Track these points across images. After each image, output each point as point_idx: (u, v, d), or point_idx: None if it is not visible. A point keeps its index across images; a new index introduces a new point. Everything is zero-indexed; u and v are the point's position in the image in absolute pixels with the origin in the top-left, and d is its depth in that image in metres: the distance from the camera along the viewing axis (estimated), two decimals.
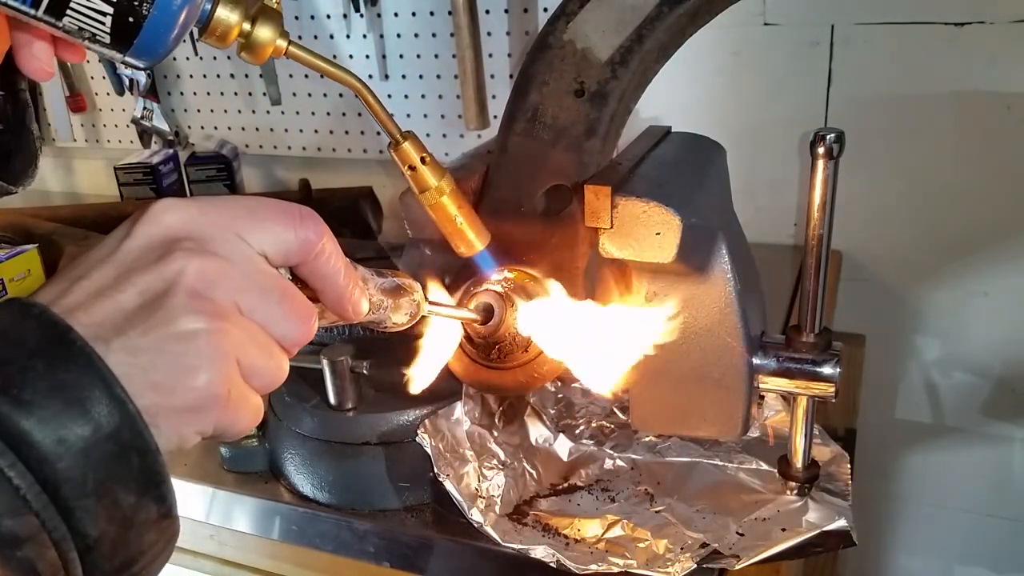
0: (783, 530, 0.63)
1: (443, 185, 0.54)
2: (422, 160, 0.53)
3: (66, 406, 0.33)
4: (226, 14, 0.45)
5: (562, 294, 0.59)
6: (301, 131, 1.43)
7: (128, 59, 0.43)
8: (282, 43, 0.47)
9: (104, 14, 0.41)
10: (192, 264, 0.37)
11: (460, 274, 0.63)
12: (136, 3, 0.41)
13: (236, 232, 0.39)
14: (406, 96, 1.31)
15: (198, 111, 1.49)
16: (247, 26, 0.46)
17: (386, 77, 1.31)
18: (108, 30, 0.42)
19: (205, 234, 0.38)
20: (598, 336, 0.56)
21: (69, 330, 0.34)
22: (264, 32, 0.46)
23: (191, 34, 0.45)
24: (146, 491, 0.35)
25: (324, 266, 0.42)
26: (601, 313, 0.57)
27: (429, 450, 0.67)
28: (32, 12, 0.41)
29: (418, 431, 0.68)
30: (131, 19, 0.41)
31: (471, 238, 0.56)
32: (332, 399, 0.72)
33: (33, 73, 0.46)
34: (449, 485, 0.66)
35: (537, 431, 0.76)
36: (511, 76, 1.23)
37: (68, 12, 0.41)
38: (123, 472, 0.34)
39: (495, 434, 0.72)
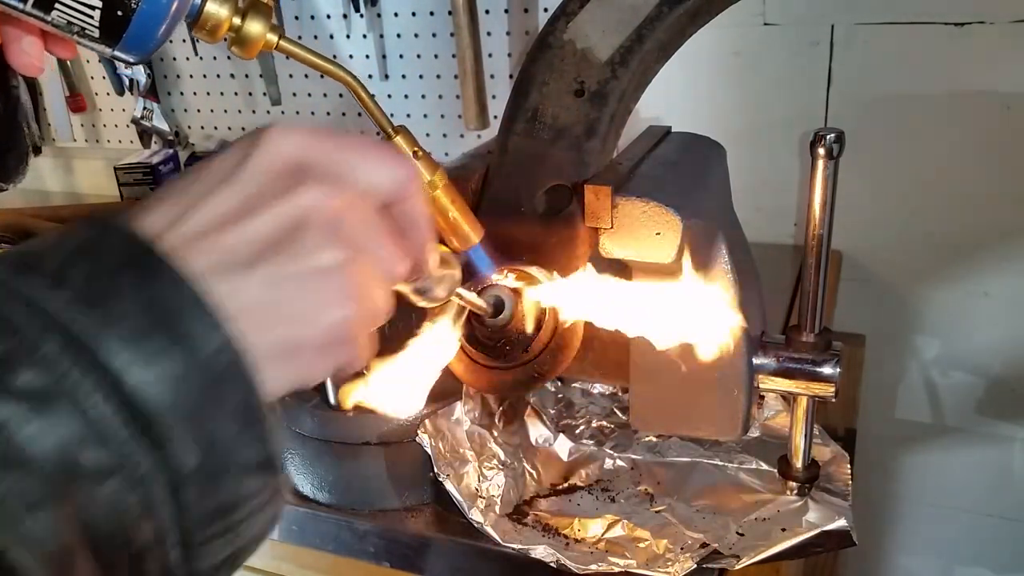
0: (783, 530, 0.63)
1: (436, 180, 0.53)
2: (415, 154, 0.53)
3: (157, 325, 0.29)
4: (216, 8, 0.45)
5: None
6: None
7: (118, 53, 0.43)
8: (272, 37, 0.47)
9: (93, 7, 0.41)
10: (325, 196, 0.35)
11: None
12: None
13: (345, 165, 0.37)
14: (406, 96, 1.31)
15: (198, 111, 1.49)
16: (237, 20, 0.46)
17: (386, 77, 1.31)
18: (97, 24, 0.41)
19: (328, 165, 0.36)
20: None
21: (151, 249, 0.30)
22: (254, 26, 0.46)
23: (191, 34, 0.45)
24: (244, 429, 0.31)
25: (413, 209, 0.40)
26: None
27: (429, 450, 0.67)
28: (20, 6, 0.41)
29: (418, 431, 0.68)
30: (120, 12, 0.41)
31: (466, 231, 0.56)
32: (332, 399, 0.72)
33: (23, 68, 0.45)
34: (449, 485, 0.66)
35: (537, 431, 0.76)
36: (511, 76, 1.23)
37: (57, 6, 0.41)
38: (220, 402, 0.30)
39: (495, 434, 0.72)
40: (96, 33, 0.42)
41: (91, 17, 0.41)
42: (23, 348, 0.27)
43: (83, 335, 0.28)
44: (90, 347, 0.28)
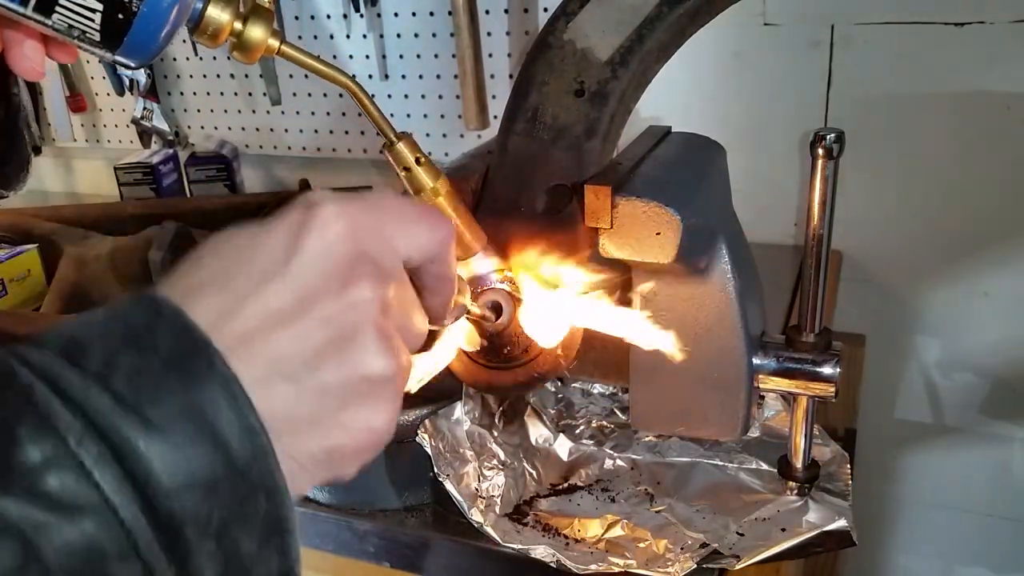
0: (783, 530, 0.63)
1: (439, 186, 0.53)
2: (417, 161, 0.52)
3: (196, 434, 0.29)
4: (217, 13, 0.45)
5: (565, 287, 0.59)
6: (301, 131, 1.43)
7: (119, 58, 0.43)
8: (274, 42, 0.47)
9: (93, 11, 0.41)
10: (376, 293, 0.35)
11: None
12: (126, 0, 0.41)
13: (390, 241, 0.37)
14: (406, 96, 1.31)
15: (198, 111, 1.49)
16: (238, 25, 0.46)
17: (386, 77, 1.31)
18: (98, 27, 0.41)
19: (374, 250, 0.36)
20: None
21: (200, 349, 0.31)
22: (255, 31, 0.46)
23: (192, 39, 0.45)
24: (268, 540, 0.31)
25: (445, 267, 0.41)
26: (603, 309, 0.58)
27: (429, 450, 0.67)
28: (21, 10, 0.41)
29: (418, 431, 0.68)
30: (120, 16, 0.41)
31: (468, 240, 0.56)
32: None
33: (24, 73, 0.45)
34: (449, 485, 0.66)
35: (537, 431, 0.76)
36: (511, 76, 1.23)
37: (57, 9, 0.41)
38: (248, 516, 0.30)
39: (495, 434, 0.72)
40: (97, 37, 0.42)
41: (92, 20, 0.41)
42: (62, 452, 0.27)
43: (122, 445, 0.28)
44: (128, 456, 0.28)
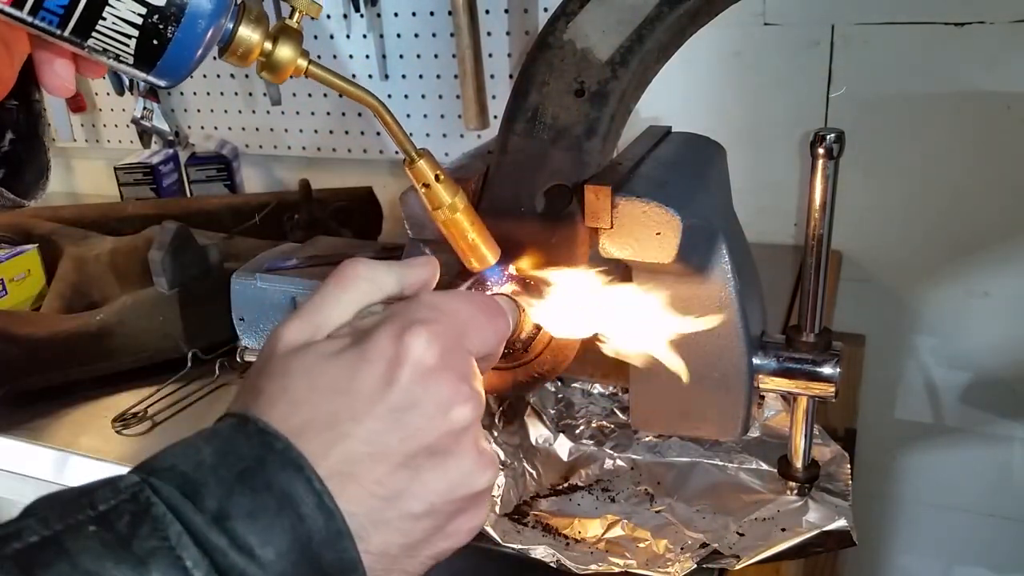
0: (783, 530, 0.63)
1: (457, 202, 0.54)
2: (436, 178, 0.53)
3: (308, 569, 0.32)
4: (248, 33, 0.45)
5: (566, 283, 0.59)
6: (301, 131, 1.43)
7: (151, 78, 0.43)
8: (303, 62, 0.47)
9: (130, 36, 0.41)
10: (473, 413, 0.38)
11: (460, 274, 0.63)
12: (162, 26, 0.41)
13: (471, 351, 0.40)
14: (406, 96, 1.31)
15: (198, 111, 1.49)
16: (268, 45, 0.46)
17: (386, 77, 1.31)
18: (132, 51, 0.42)
19: (461, 368, 0.39)
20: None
21: (312, 488, 0.33)
22: (285, 51, 0.46)
23: (221, 59, 0.45)
24: None
25: (496, 354, 0.44)
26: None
27: None
28: (58, 32, 0.41)
29: None
30: (156, 41, 0.41)
31: (483, 253, 0.57)
32: None
33: (54, 90, 0.46)
34: None
35: (537, 431, 0.76)
36: (511, 76, 1.23)
37: (94, 34, 0.41)
38: None
39: (495, 434, 0.72)
40: (131, 60, 0.42)
41: (127, 45, 0.41)
42: None
43: None
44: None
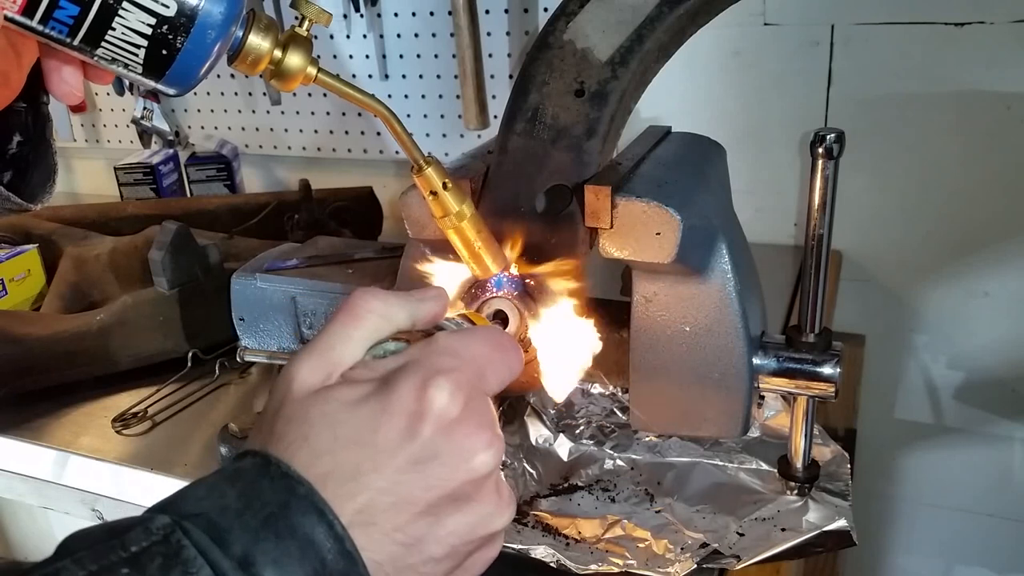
0: (783, 530, 0.63)
1: (464, 210, 0.54)
2: (444, 186, 0.53)
3: None
4: (258, 42, 0.45)
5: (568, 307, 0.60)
6: (301, 131, 1.43)
7: (160, 87, 0.43)
8: (312, 70, 0.47)
9: (139, 47, 0.41)
10: (494, 459, 0.38)
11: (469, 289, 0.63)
12: (171, 36, 0.41)
13: (489, 392, 0.41)
14: (406, 96, 1.31)
15: (198, 111, 1.49)
16: (278, 53, 0.46)
17: (386, 77, 1.31)
18: (141, 61, 0.42)
19: (481, 411, 0.39)
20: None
21: (340, 542, 0.34)
22: (295, 59, 0.46)
23: (230, 67, 0.45)
24: None
25: (508, 383, 0.44)
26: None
27: None
28: (68, 41, 0.41)
29: None
30: (165, 52, 0.41)
31: (487, 263, 0.57)
32: None
33: (62, 97, 0.46)
34: None
35: (537, 431, 0.76)
36: (511, 76, 1.23)
37: (103, 43, 0.41)
38: None
39: None
40: (140, 69, 0.42)
41: (136, 55, 0.41)
42: None
43: None
44: None
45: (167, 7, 0.40)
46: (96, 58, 0.42)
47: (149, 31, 0.41)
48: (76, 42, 0.41)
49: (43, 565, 0.32)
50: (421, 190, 0.54)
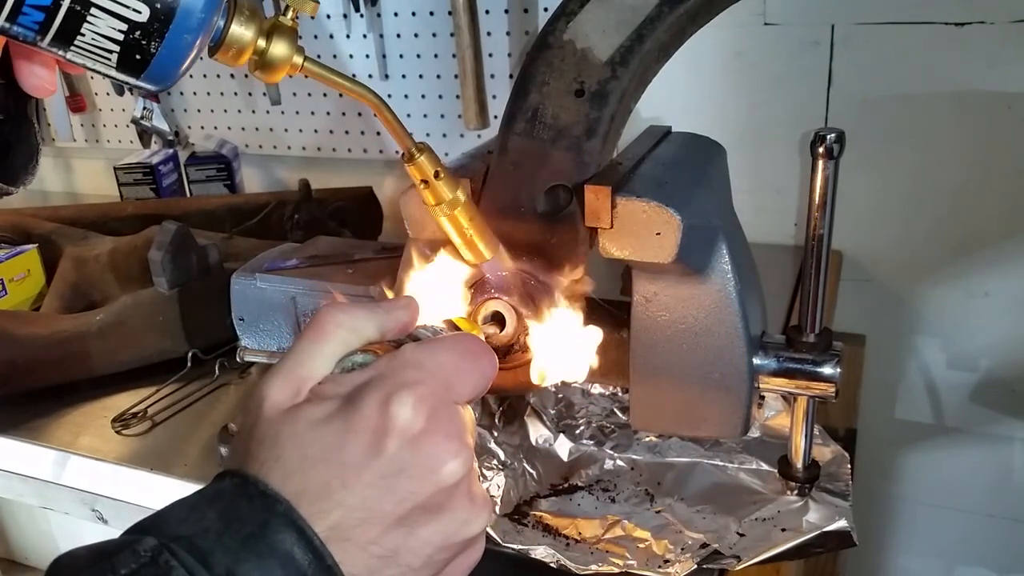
0: (783, 530, 0.63)
1: (457, 197, 0.54)
2: (436, 175, 0.53)
3: None
4: (240, 31, 0.43)
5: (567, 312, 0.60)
6: (301, 131, 1.43)
7: (139, 84, 0.42)
8: (298, 59, 0.46)
9: (110, 51, 0.39)
10: (464, 467, 0.38)
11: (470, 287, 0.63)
12: (144, 41, 0.39)
13: (459, 400, 0.41)
14: (406, 96, 1.31)
15: (198, 111, 1.49)
16: (262, 43, 0.44)
17: (386, 77, 1.31)
18: (114, 64, 0.40)
19: (450, 426, 0.39)
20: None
21: (320, 559, 0.35)
22: (279, 48, 0.45)
23: (211, 59, 0.44)
24: None
25: (484, 389, 0.44)
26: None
27: None
28: (37, 41, 0.39)
29: None
30: (139, 56, 0.40)
31: (480, 249, 0.56)
32: None
33: (33, 90, 0.44)
34: None
35: (537, 431, 0.76)
36: (511, 76, 1.23)
37: (74, 47, 0.39)
38: None
39: (495, 434, 0.72)
40: (113, 72, 0.41)
41: (109, 59, 0.40)
42: None
43: None
44: None
45: (139, 12, 0.38)
46: (68, 60, 0.40)
47: (121, 36, 0.39)
48: (45, 44, 0.39)
49: None
50: (413, 179, 0.53)
